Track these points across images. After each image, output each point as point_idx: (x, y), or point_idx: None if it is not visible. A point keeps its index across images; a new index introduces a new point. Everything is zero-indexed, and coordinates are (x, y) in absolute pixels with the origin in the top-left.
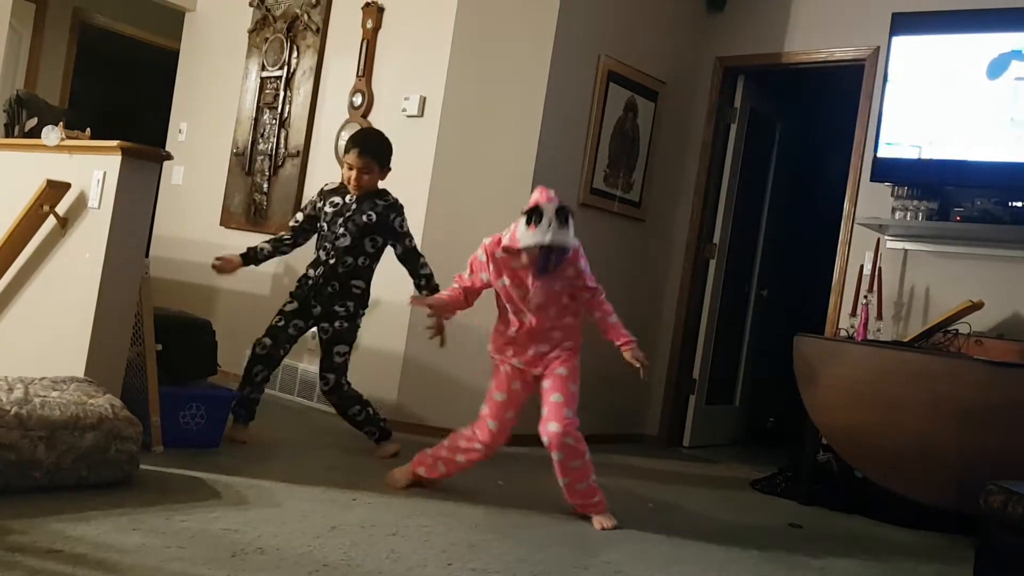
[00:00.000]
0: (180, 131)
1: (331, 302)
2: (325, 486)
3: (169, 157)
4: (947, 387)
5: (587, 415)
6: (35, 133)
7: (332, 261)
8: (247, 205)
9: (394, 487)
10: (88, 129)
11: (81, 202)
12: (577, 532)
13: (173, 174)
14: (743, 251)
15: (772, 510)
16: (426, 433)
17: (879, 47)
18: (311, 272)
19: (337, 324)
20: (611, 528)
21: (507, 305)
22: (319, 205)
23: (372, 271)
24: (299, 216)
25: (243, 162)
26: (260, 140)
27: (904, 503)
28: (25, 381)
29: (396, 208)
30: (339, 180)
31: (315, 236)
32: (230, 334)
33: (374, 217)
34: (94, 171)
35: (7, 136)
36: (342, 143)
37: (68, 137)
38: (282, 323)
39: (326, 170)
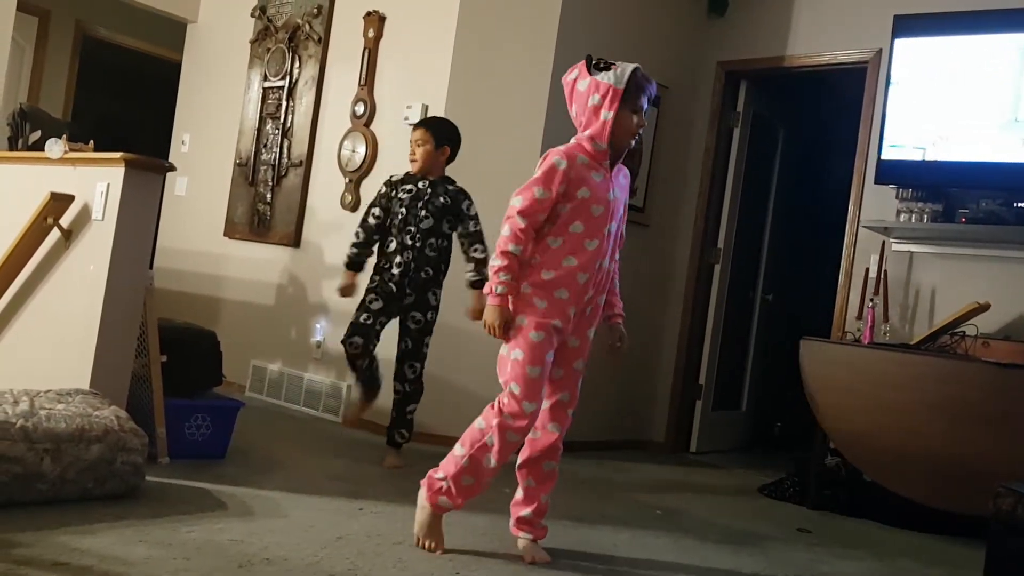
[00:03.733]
0: (183, 142)
1: (425, 289)
2: (331, 496)
3: (172, 168)
4: (955, 389)
5: (593, 422)
6: (39, 146)
7: (419, 245)
8: (251, 215)
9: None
10: (91, 141)
11: (85, 214)
12: (585, 540)
13: (176, 185)
14: (748, 255)
15: (780, 515)
16: (431, 442)
17: (881, 49)
18: (397, 259)
19: (429, 315)
20: (544, 563)
21: (577, 228)
22: (392, 194)
23: (450, 254)
24: (375, 211)
25: (246, 172)
26: (263, 150)
27: (913, 507)
28: (30, 394)
29: (465, 193)
30: (402, 172)
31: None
32: (235, 345)
33: (448, 201)
34: (97, 183)
35: (11, 149)
36: (345, 152)
37: (71, 150)
38: (370, 320)
39: (329, 179)
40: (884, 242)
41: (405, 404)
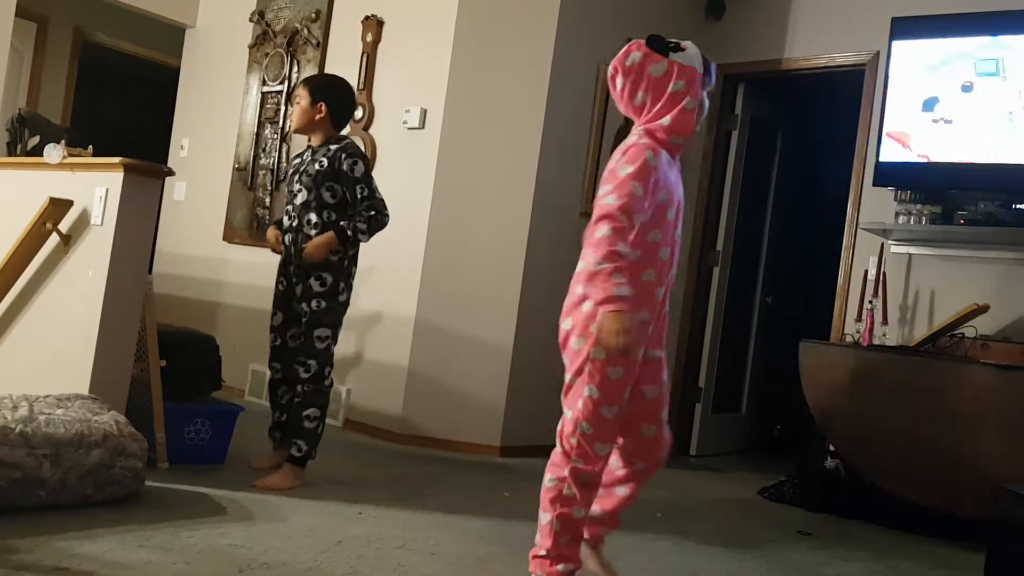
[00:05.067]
0: (182, 147)
1: (307, 275)
2: (330, 500)
3: (171, 173)
4: (954, 391)
5: None
6: (37, 151)
7: (296, 224)
8: (249, 220)
9: None
10: (90, 146)
11: (84, 219)
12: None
13: (175, 190)
14: (747, 258)
15: (780, 518)
16: (431, 446)
17: (879, 52)
18: (280, 247)
19: (315, 304)
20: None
21: (655, 237)
22: (289, 173)
23: None
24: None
25: (245, 177)
26: (262, 155)
27: (913, 509)
28: (30, 399)
29: (346, 148)
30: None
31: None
32: (234, 349)
33: (325, 163)
34: (96, 188)
35: (10, 155)
36: None
37: (70, 155)
38: (278, 341)
39: None
40: (883, 244)
41: (300, 409)
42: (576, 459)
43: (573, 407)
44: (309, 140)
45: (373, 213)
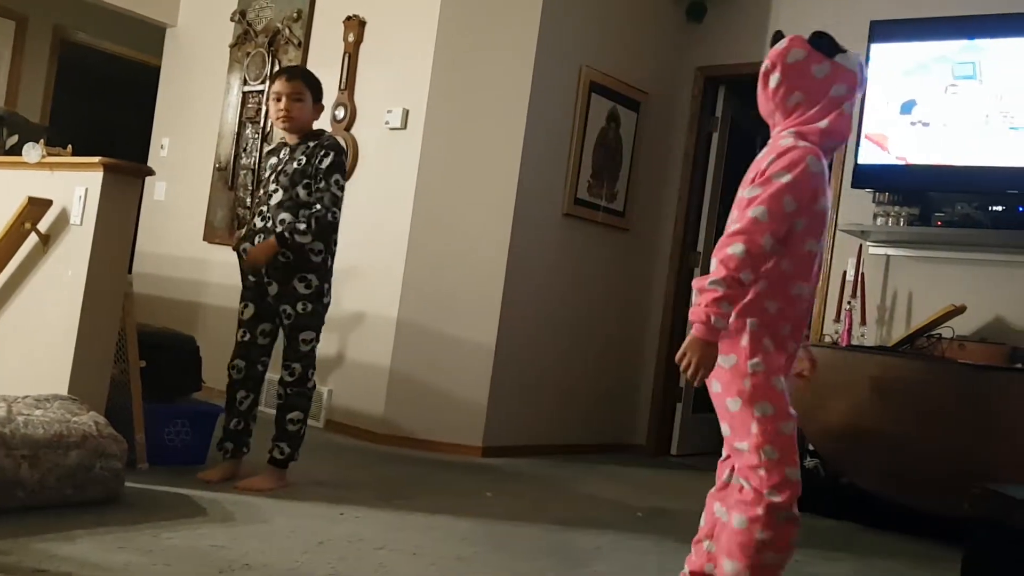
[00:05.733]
0: (162, 147)
1: (289, 276)
2: (312, 501)
3: (151, 172)
4: (932, 391)
5: (576, 425)
6: (16, 150)
7: (270, 224)
8: (230, 220)
9: None
10: (69, 146)
11: (63, 219)
12: (566, 542)
13: (155, 190)
14: None
15: None
16: (413, 447)
17: (858, 54)
18: (248, 247)
19: (300, 306)
20: None
21: (812, 247)
22: (266, 174)
23: (330, 229)
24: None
25: (226, 177)
26: (243, 155)
27: (892, 508)
28: (8, 399)
29: (324, 144)
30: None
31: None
32: (214, 349)
33: (303, 161)
34: (76, 188)
35: None
36: None
37: (49, 154)
38: (247, 336)
39: None
40: (861, 245)
41: (285, 412)
42: (770, 492)
43: (747, 437)
44: (283, 138)
45: (317, 208)
